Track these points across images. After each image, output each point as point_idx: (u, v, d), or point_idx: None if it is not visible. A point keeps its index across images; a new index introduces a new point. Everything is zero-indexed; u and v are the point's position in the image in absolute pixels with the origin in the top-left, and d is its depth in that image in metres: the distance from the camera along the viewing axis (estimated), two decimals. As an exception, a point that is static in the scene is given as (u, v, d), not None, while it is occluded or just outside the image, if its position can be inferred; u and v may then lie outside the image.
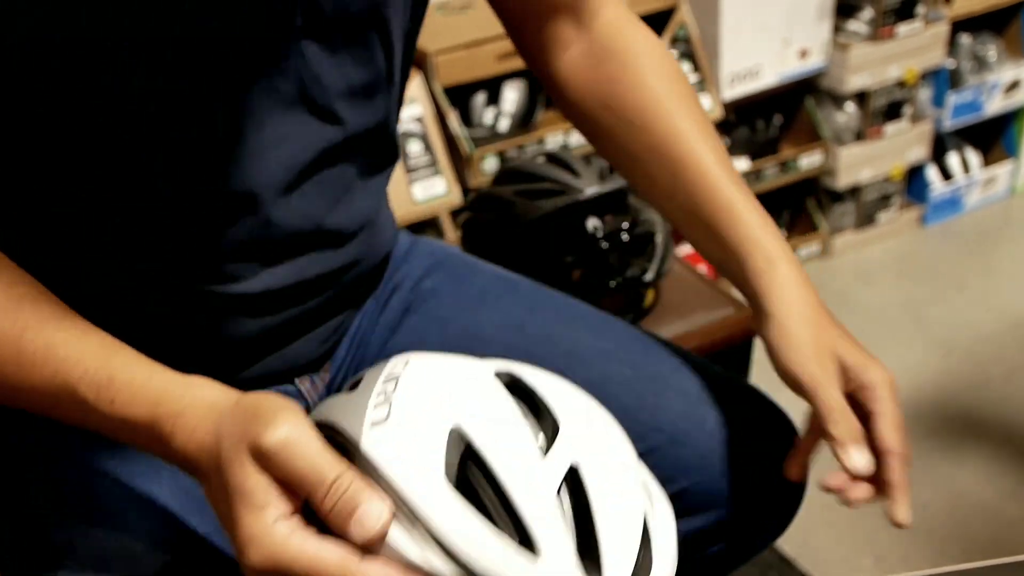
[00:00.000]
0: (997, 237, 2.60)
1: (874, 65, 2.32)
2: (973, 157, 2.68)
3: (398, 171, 1.95)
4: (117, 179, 0.68)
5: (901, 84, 2.39)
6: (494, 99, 2.12)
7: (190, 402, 0.58)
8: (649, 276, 1.25)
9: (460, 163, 1.99)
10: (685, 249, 2.31)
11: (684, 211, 0.81)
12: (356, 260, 0.83)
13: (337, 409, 0.59)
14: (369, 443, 0.55)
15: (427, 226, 1.98)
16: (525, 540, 0.53)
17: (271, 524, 0.53)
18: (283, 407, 0.55)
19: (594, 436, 0.61)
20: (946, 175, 2.66)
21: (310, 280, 0.79)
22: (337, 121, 0.73)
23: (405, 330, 0.94)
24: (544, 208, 1.24)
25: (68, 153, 0.67)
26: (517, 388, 0.62)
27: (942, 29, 2.37)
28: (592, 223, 1.25)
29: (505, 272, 1.01)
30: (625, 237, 1.24)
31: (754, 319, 0.78)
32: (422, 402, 0.57)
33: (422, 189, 1.96)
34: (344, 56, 0.71)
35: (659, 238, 1.28)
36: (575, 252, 1.24)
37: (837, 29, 2.32)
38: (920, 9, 2.30)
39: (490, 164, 1.99)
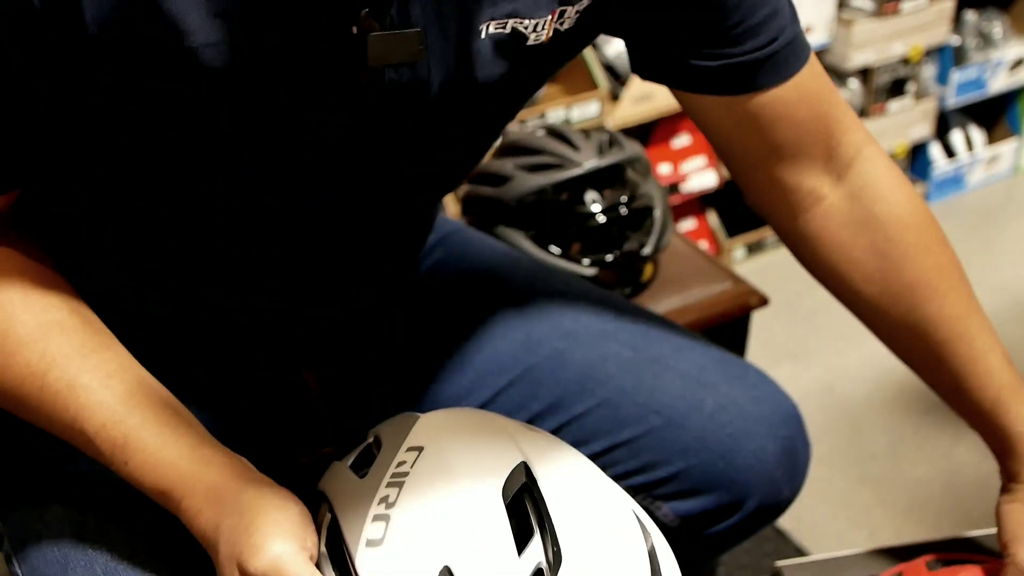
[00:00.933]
0: (1000, 215, 2.60)
1: (878, 42, 2.31)
2: (977, 135, 2.67)
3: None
4: (172, 207, 0.69)
5: (905, 61, 2.38)
6: (496, 73, 2.12)
7: (194, 487, 0.60)
8: (647, 250, 1.26)
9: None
10: (685, 225, 2.32)
11: (949, 388, 0.81)
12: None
13: (342, 498, 0.61)
14: (362, 565, 0.56)
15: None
16: None
17: None
18: (275, 529, 0.56)
19: (601, 562, 0.58)
20: (950, 153, 2.65)
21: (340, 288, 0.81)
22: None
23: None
24: (543, 181, 1.24)
25: (123, 182, 0.68)
26: (522, 499, 0.59)
27: (947, 5, 2.36)
28: (590, 196, 1.25)
29: (506, 249, 1.02)
30: (623, 211, 1.24)
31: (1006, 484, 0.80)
32: (419, 529, 0.57)
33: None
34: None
35: (657, 212, 1.28)
36: (574, 225, 1.25)
37: (841, 5, 2.30)
38: (925, -15, 2.29)
39: (491, 138, 1.99)
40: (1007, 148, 2.68)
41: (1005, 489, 0.79)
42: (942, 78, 2.49)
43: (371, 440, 0.65)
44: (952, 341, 0.77)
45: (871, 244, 0.77)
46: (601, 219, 1.24)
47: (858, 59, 2.31)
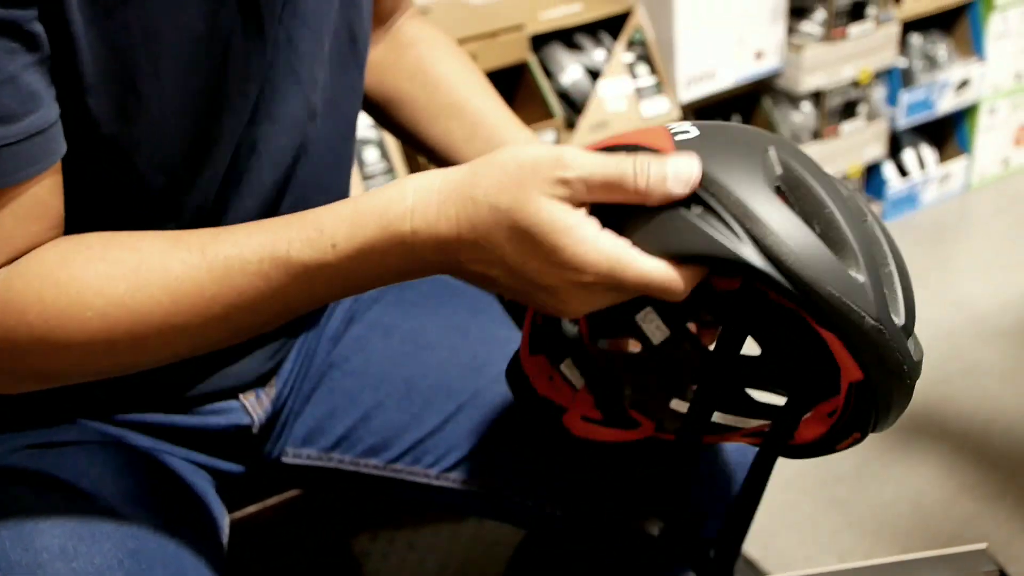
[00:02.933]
0: (954, 233, 2.63)
1: (828, 65, 2.33)
2: (928, 154, 2.71)
3: (355, 178, 1.93)
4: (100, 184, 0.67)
5: (855, 84, 2.41)
6: (451, 105, 2.11)
7: (415, 195, 0.56)
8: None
9: (416, 169, 1.98)
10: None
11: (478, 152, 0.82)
12: None
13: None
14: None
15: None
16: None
17: (598, 235, 0.53)
18: (548, 148, 0.54)
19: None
20: (903, 172, 2.68)
21: None
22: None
23: (348, 340, 0.94)
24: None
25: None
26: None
27: (893, 30, 2.39)
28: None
29: (447, 277, 1.01)
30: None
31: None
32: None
33: (380, 197, 1.95)
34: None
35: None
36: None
37: (791, 30, 2.33)
38: (871, 10, 2.32)
39: (448, 171, 1.97)
40: (958, 166, 2.72)
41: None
42: (892, 99, 2.52)
43: None
44: (480, 113, 0.90)
45: (411, 57, 0.94)
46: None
47: (810, 83, 2.33)
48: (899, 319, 0.54)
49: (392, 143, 1.96)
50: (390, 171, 1.96)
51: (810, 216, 0.53)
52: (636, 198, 0.53)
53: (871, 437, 0.67)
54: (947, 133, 2.75)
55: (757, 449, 0.65)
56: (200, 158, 0.68)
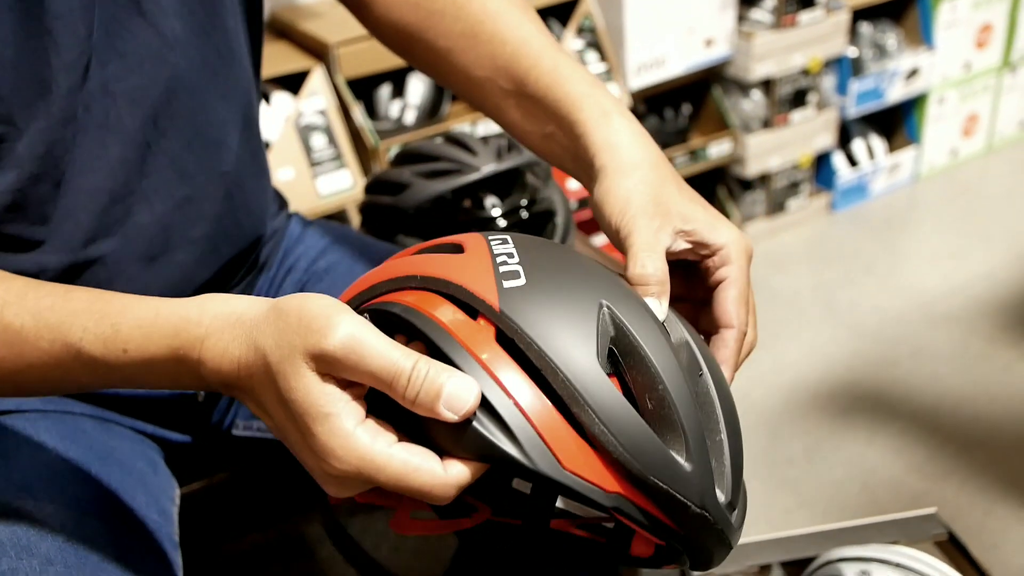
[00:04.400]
0: (903, 222, 2.66)
1: (778, 53, 2.34)
2: (878, 144, 2.73)
3: (302, 165, 1.91)
4: None
5: (805, 72, 2.43)
6: (400, 91, 2.09)
7: (211, 323, 0.53)
8: (550, 254, 1.23)
9: (366, 156, 1.96)
10: (600, 240, 2.31)
11: (508, 91, 0.74)
12: (220, 222, 0.80)
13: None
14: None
15: (333, 221, 1.94)
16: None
17: (352, 431, 0.49)
18: (331, 307, 0.50)
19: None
20: (852, 162, 2.70)
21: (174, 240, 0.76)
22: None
23: None
24: (441, 188, 1.21)
25: None
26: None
27: (843, 18, 2.41)
28: (490, 201, 1.22)
29: (399, 249, 0.98)
30: (524, 215, 1.22)
31: (588, 186, 0.68)
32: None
33: (327, 183, 1.92)
34: None
35: (559, 217, 1.26)
36: (474, 230, 1.22)
37: (741, 18, 2.34)
38: (820, -3, 2.34)
39: (396, 156, 1.96)
40: (907, 156, 2.74)
41: (592, 189, 0.68)
42: (842, 88, 2.54)
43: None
44: (503, 31, 0.75)
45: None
46: (501, 223, 1.21)
47: (759, 71, 2.34)
48: (724, 495, 0.52)
49: (340, 129, 1.93)
50: (338, 157, 1.94)
51: (643, 389, 0.51)
52: (402, 402, 0.49)
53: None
54: (896, 123, 2.77)
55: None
56: (31, 102, 0.65)
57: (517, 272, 0.52)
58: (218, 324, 0.53)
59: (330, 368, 0.49)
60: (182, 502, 0.84)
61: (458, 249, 0.55)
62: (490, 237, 0.56)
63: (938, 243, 2.51)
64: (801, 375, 2.00)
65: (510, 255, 0.53)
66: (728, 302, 0.61)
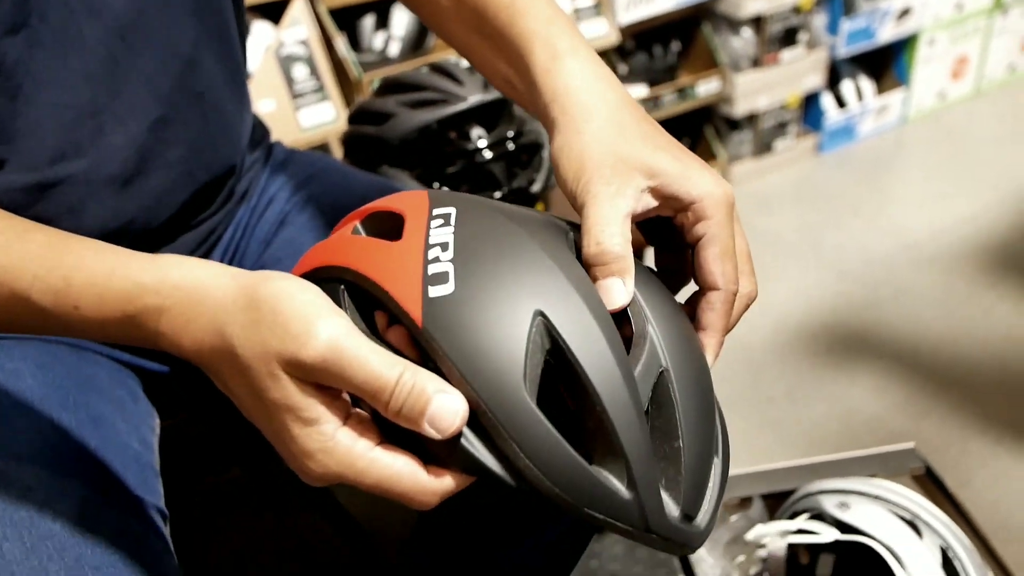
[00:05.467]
0: (889, 164, 2.65)
1: (769, -10, 2.31)
2: (867, 85, 2.71)
3: (283, 97, 1.87)
4: None
5: (797, 10, 2.39)
6: (384, 22, 2.05)
7: (170, 294, 0.49)
8: (536, 187, 1.22)
9: (349, 89, 1.93)
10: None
11: (471, 26, 0.69)
12: (196, 146, 0.78)
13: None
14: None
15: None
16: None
17: (332, 436, 0.47)
18: (311, 311, 0.47)
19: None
20: (841, 103, 2.68)
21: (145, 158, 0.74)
22: None
23: (280, 243, 0.90)
24: (427, 118, 1.19)
25: None
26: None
27: (835, -46, 2.37)
28: (476, 132, 1.20)
29: (384, 180, 0.97)
30: (511, 146, 1.20)
31: (550, 136, 0.61)
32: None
33: (309, 115, 1.89)
34: None
35: (546, 151, 1.24)
36: (459, 162, 1.20)
37: (732, -47, 2.30)
38: (813, -68, 2.30)
39: (380, 88, 1.92)
40: (895, 98, 2.73)
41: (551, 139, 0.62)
42: (832, 28, 2.51)
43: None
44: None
45: None
46: (487, 155, 1.19)
47: (751, 7, 2.31)
48: (678, 507, 0.48)
49: (323, 60, 1.90)
50: (320, 89, 1.91)
51: (580, 410, 0.47)
52: (385, 414, 0.47)
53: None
54: (886, 65, 2.75)
55: None
56: None
57: (446, 275, 0.48)
58: (179, 297, 0.50)
59: (308, 376, 0.47)
60: (162, 434, 0.84)
61: (398, 228, 0.52)
62: (433, 211, 0.52)
63: (924, 186, 2.51)
64: (785, 315, 2.01)
65: (444, 245, 0.49)
66: (709, 262, 0.55)
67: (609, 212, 0.53)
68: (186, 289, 0.50)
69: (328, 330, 0.46)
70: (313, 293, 0.48)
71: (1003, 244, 2.20)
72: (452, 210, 0.52)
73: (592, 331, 0.48)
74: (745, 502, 0.98)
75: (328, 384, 0.47)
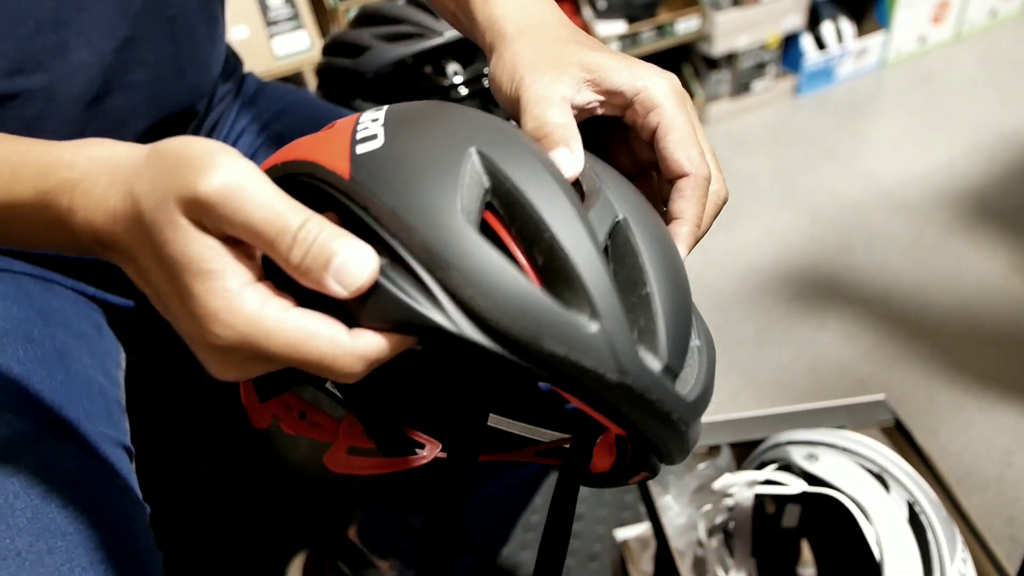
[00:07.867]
0: (867, 108, 2.63)
1: (754, -74, 2.27)
2: (847, 27, 2.69)
3: (257, 24, 1.82)
4: None
5: (780, -52, 2.36)
6: (360, -51, 1.99)
7: (85, 166, 0.46)
8: (513, 127, 1.19)
9: (324, 17, 1.88)
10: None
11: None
12: (164, 69, 0.76)
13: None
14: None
15: (289, 84, 1.87)
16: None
17: (238, 292, 0.42)
18: (215, 147, 0.42)
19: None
20: (821, 45, 2.66)
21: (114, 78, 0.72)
22: None
23: None
24: (402, 52, 1.16)
25: None
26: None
27: None
28: (452, 68, 1.18)
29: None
30: (486, 83, 1.17)
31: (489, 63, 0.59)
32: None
33: (283, 44, 1.84)
34: None
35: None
36: (435, 98, 1.17)
37: None
38: None
39: (355, 18, 1.88)
40: (875, 41, 2.70)
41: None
42: (815, -33, 2.47)
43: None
44: None
45: None
46: (463, 91, 1.16)
47: (733, -56, 2.27)
48: (658, 360, 0.43)
49: (295, -15, 1.84)
50: (295, 17, 1.86)
51: (529, 242, 0.42)
52: (286, 268, 0.42)
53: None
54: (867, 7, 2.72)
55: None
56: None
57: (375, 135, 0.44)
58: (94, 168, 0.46)
59: (205, 216, 0.41)
60: (128, 369, 0.82)
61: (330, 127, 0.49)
62: (373, 110, 0.48)
63: (900, 131, 2.50)
64: (756, 258, 2.01)
65: (375, 119, 0.46)
66: (671, 149, 0.51)
67: (545, 92, 0.51)
68: (102, 160, 0.46)
69: (232, 164, 0.42)
70: (221, 144, 0.44)
71: (977, 192, 2.21)
72: (394, 105, 0.49)
73: (533, 164, 0.44)
74: (713, 450, 0.99)
75: (226, 228, 0.42)
